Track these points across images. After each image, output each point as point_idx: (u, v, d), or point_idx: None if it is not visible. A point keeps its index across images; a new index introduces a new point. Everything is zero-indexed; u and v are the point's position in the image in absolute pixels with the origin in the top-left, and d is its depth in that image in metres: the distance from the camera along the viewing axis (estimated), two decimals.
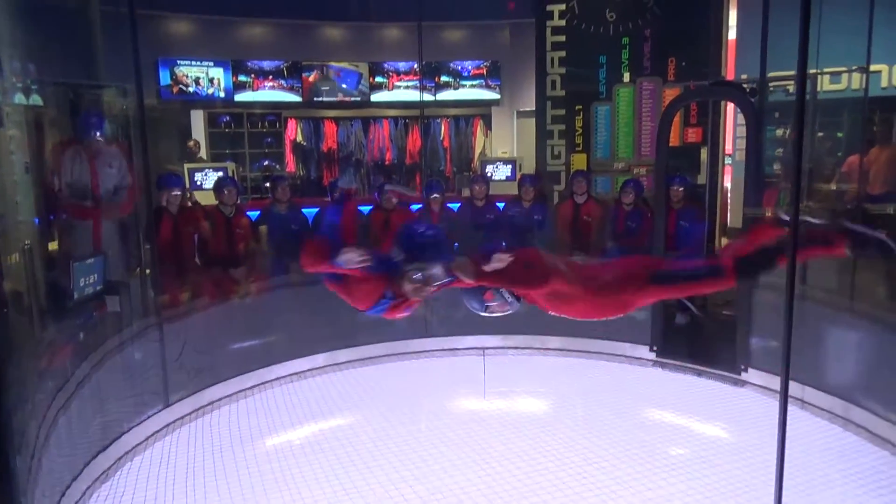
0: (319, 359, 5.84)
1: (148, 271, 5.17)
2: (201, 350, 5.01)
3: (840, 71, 7.77)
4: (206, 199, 6.77)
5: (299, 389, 5.44)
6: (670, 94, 8.10)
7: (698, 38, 7.85)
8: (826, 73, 6.92)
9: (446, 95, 10.86)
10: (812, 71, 6.54)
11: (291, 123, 10.88)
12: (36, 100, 4.90)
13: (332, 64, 10.51)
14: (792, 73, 6.83)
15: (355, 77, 10.61)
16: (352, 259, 2.91)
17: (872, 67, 7.36)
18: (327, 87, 10.53)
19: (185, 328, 4.99)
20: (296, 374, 5.68)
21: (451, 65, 10.81)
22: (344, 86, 10.54)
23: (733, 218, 8.99)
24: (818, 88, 6.87)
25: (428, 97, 10.60)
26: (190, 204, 6.22)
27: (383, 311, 3.21)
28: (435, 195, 6.80)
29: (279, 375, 5.60)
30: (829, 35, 6.49)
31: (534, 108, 9.32)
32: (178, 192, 5.73)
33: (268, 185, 9.39)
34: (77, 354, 4.09)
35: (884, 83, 7.71)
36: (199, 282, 5.79)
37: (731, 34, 8.89)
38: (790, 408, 2.62)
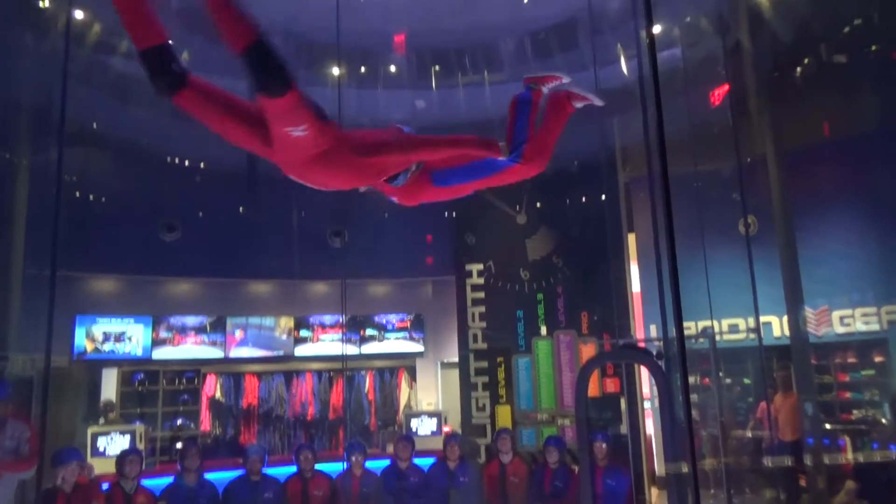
0: None
1: None
2: None
3: (730, 326, 8.42)
4: (109, 466, 6.29)
5: None
6: (586, 348, 8.47)
7: (606, 294, 8.43)
8: (713, 333, 7.39)
9: (371, 348, 10.95)
10: (707, 323, 7.06)
11: (211, 379, 10.58)
12: None
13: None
14: (702, 323, 7.36)
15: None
16: None
17: (763, 319, 8.04)
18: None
19: None
20: None
21: (376, 318, 11.05)
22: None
23: (660, 465, 8.95)
24: (717, 339, 7.35)
25: (353, 350, 10.66)
26: (87, 478, 5.70)
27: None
28: (356, 456, 6.58)
29: None
30: (720, 288, 7.14)
31: (457, 360, 9.50)
32: (75, 467, 5.29)
33: (179, 445, 8.83)
34: None
35: (776, 333, 8.36)
36: None
37: (637, 286, 9.65)
38: None
